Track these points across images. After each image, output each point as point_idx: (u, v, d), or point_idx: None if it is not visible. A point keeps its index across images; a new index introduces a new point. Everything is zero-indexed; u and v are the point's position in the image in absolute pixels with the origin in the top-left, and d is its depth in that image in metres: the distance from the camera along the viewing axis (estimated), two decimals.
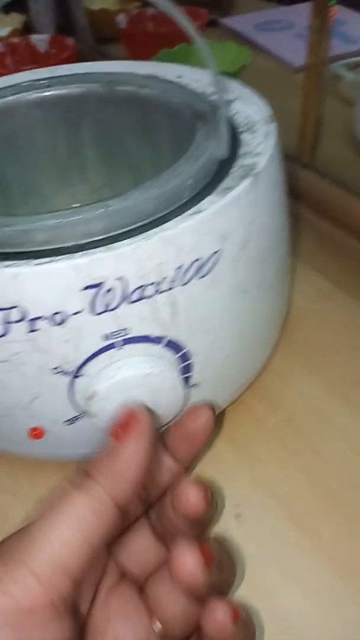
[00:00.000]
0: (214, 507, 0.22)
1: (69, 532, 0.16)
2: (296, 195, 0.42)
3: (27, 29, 0.71)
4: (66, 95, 0.30)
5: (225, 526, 0.25)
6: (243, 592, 0.23)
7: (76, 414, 0.23)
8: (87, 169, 0.34)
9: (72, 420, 0.23)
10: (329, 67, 0.53)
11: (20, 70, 0.52)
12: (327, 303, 0.35)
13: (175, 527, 0.20)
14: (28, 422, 0.24)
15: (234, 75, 0.51)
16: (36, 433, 0.24)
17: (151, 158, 0.32)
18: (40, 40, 0.61)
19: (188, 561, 0.17)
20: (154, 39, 0.58)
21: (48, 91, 0.30)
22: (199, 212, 0.20)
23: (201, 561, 0.17)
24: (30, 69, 0.52)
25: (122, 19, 0.62)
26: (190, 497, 0.19)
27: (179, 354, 0.22)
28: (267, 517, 0.25)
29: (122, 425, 0.18)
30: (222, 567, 0.19)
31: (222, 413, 0.29)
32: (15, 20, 0.68)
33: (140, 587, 0.20)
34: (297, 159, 0.39)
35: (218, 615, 0.17)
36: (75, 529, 0.16)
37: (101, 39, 0.68)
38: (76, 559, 0.16)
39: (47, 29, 0.69)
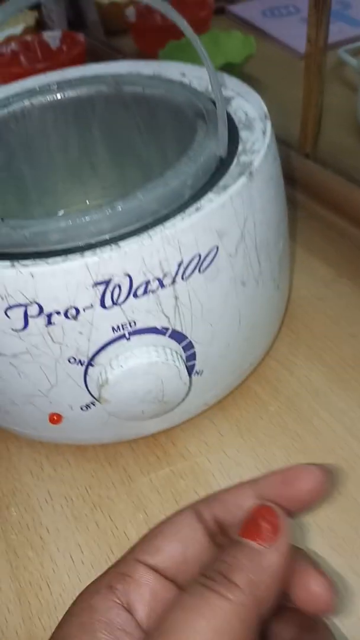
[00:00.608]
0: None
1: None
2: (298, 185, 0.42)
3: (40, 25, 0.72)
4: (76, 98, 0.31)
5: None
6: None
7: (91, 401, 0.25)
8: (98, 167, 0.35)
9: (87, 406, 0.25)
10: (334, 53, 0.54)
11: (33, 68, 0.54)
12: (329, 291, 0.36)
13: None
14: (47, 408, 0.26)
15: (239, 65, 0.52)
16: (55, 418, 0.26)
17: (158, 155, 0.33)
18: (52, 37, 0.62)
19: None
20: (162, 31, 0.59)
21: (59, 94, 0.31)
22: (198, 210, 0.22)
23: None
24: (44, 66, 0.53)
25: (130, 12, 0.63)
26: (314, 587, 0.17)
27: (183, 344, 0.24)
28: None
29: (258, 525, 0.16)
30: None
31: (227, 398, 0.31)
32: (28, 17, 0.70)
33: None
34: (299, 150, 0.39)
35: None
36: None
37: (111, 33, 0.69)
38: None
39: (59, 25, 0.70)
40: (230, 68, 0.50)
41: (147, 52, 0.63)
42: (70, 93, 0.31)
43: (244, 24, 0.67)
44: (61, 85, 0.31)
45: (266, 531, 0.16)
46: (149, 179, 0.22)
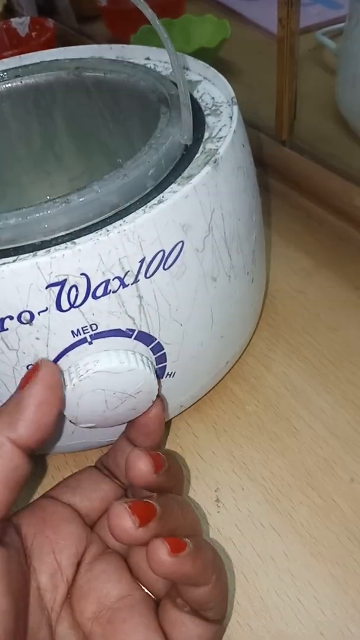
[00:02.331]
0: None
1: None
2: (275, 173, 0.41)
3: (9, 11, 0.69)
4: (35, 85, 0.30)
5: (204, 510, 0.26)
6: None
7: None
8: (63, 157, 0.34)
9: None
10: (312, 36, 0.52)
11: (1, 56, 0.52)
12: (308, 282, 0.35)
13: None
14: None
15: (214, 50, 0.50)
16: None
17: (125, 143, 0.31)
18: (20, 23, 0.60)
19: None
20: (134, 16, 0.57)
21: (16, 81, 0.29)
22: (160, 202, 0.20)
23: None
24: (11, 54, 0.51)
25: None
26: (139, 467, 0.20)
27: (151, 345, 0.23)
28: (245, 501, 0.26)
29: (26, 377, 0.19)
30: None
31: (203, 399, 0.29)
32: None
33: (124, 559, 0.21)
34: (274, 137, 0.38)
35: (155, 554, 0.18)
36: None
37: (82, 18, 0.67)
38: None
39: (27, 11, 0.68)
40: (204, 53, 0.49)
41: (119, 37, 0.61)
42: (29, 80, 0.29)
43: (219, 7, 0.64)
44: (18, 72, 0.29)
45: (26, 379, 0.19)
46: (116, 168, 0.21)
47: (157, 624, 0.19)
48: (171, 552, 0.17)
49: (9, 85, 0.29)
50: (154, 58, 0.29)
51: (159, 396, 0.23)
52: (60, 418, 0.20)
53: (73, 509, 0.22)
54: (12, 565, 0.18)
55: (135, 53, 0.30)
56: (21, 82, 0.29)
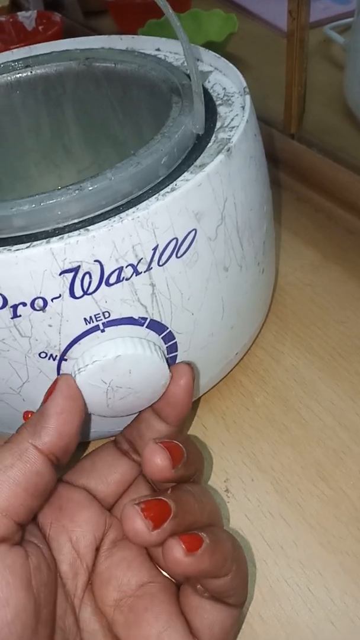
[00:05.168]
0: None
1: None
2: (284, 167, 0.41)
3: (15, 5, 0.69)
4: (44, 75, 0.30)
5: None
6: None
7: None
8: (73, 149, 0.34)
9: None
10: (321, 31, 0.52)
11: (8, 50, 0.51)
12: (317, 276, 0.35)
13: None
14: (21, 406, 0.24)
15: (221, 44, 0.50)
16: (30, 417, 0.25)
17: (135, 134, 0.31)
18: (27, 17, 0.60)
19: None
20: (141, 10, 0.57)
21: (26, 72, 0.29)
22: (173, 190, 0.20)
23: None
24: (18, 48, 0.51)
25: None
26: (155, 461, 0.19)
27: (163, 334, 0.23)
28: (255, 491, 0.26)
29: (48, 392, 0.20)
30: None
31: (212, 390, 0.29)
32: None
33: None
34: (283, 130, 0.38)
35: (171, 555, 0.17)
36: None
37: (90, 13, 0.67)
38: (7, 501, 0.17)
39: (34, 6, 0.68)
40: (212, 47, 0.48)
41: (126, 32, 0.61)
42: (38, 70, 0.29)
43: (226, 1, 0.64)
44: (28, 62, 0.29)
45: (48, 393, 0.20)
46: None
47: (179, 611, 0.19)
48: (187, 551, 0.17)
49: (19, 75, 0.29)
50: (164, 49, 0.29)
51: (189, 364, 0.22)
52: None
53: (89, 494, 0.22)
54: (32, 560, 0.18)
55: (145, 44, 0.30)
56: (31, 72, 0.29)
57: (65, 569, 0.20)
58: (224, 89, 0.26)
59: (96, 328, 0.21)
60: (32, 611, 0.17)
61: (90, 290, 0.20)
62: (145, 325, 0.22)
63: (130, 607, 0.19)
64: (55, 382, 0.20)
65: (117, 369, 0.21)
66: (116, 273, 0.20)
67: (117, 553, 0.21)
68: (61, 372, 0.22)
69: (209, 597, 0.19)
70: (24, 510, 0.18)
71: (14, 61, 0.30)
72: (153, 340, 0.22)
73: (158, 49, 0.29)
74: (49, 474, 0.19)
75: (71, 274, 0.19)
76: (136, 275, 0.20)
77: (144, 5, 0.57)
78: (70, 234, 0.19)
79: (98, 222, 0.20)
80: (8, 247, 0.19)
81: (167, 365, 0.22)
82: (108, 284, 0.20)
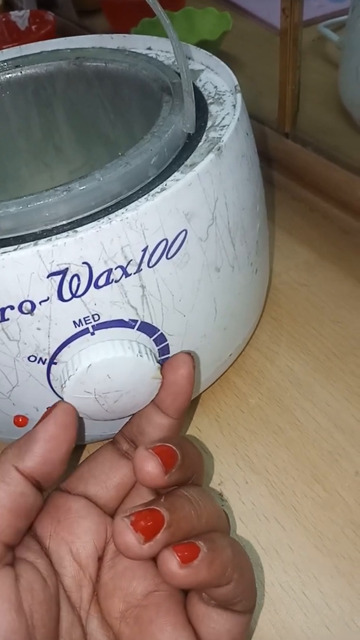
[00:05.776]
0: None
1: None
2: (278, 166, 0.41)
3: (8, 5, 0.69)
4: (35, 75, 0.29)
5: None
6: None
7: (57, 401, 0.23)
8: (64, 149, 0.33)
9: None
10: (315, 29, 0.52)
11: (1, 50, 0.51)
12: (312, 275, 0.34)
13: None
14: (11, 410, 0.24)
15: (215, 42, 0.50)
16: (20, 421, 0.24)
17: (126, 134, 0.31)
18: (20, 16, 0.60)
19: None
20: (135, 9, 0.56)
21: (16, 72, 0.29)
22: (163, 190, 0.20)
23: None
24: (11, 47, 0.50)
25: None
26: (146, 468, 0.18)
27: (154, 336, 0.22)
28: (249, 494, 0.25)
29: (44, 415, 0.20)
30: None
31: (206, 392, 0.29)
32: None
33: None
34: (277, 129, 0.38)
35: (165, 567, 0.17)
36: None
37: (83, 12, 0.66)
38: None
39: (28, 4, 0.67)
40: (205, 45, 0.48)
41: (120, 31, 0.60)
42: (28, 70, 0.29)
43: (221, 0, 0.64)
44: (18, 62, 0.29)
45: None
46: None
47: (186, 620, 0.18)
48: (182, 563, 0.16)
49: (9, 75, 0.29)
50: (155, 48, 0.29)
51: (189, 353, 0.22)
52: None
53: (88, 501, 0.21)
54: (24, 580, 0.18)
55: (136, 43, 0.29)
56: (21, 72, 0.29)
57: (69, 581, 0.19)
58: (215, 87, 0.25)
59: (86, 331, 0.21)
60: (25, 633, 0.17)
61: (79, 292, 0.20)
62: (136, 327, 0.21)
63: (135, 619, 0.19)
64: (54, 406, 0.20)
65: (94, 378, 0.20)
66: (105, 275, 0.19)
67: (120, 562, 0.20)
68: (51, 375, 0.22)
69: (215, 605, 0.18)
70: (11, 531, 0.18)
71: (3, 61, 0.30)
72: (144, 343, 0.22)
73: (149, 48, 0.29)
74: (33, 495, 0.19)
75: (59, 277, 0.19)
76: (126, 277, 0.20)
77: (137, 4, 0.57)
78: (58, 235, 0.19)
79: (86, 223, 0.19)
80: None
81: (149, 357, 0.21)
82: (97, 286, 0.20)
